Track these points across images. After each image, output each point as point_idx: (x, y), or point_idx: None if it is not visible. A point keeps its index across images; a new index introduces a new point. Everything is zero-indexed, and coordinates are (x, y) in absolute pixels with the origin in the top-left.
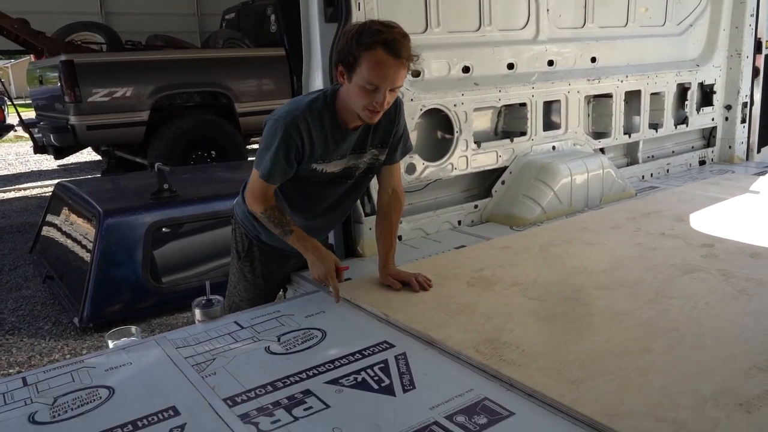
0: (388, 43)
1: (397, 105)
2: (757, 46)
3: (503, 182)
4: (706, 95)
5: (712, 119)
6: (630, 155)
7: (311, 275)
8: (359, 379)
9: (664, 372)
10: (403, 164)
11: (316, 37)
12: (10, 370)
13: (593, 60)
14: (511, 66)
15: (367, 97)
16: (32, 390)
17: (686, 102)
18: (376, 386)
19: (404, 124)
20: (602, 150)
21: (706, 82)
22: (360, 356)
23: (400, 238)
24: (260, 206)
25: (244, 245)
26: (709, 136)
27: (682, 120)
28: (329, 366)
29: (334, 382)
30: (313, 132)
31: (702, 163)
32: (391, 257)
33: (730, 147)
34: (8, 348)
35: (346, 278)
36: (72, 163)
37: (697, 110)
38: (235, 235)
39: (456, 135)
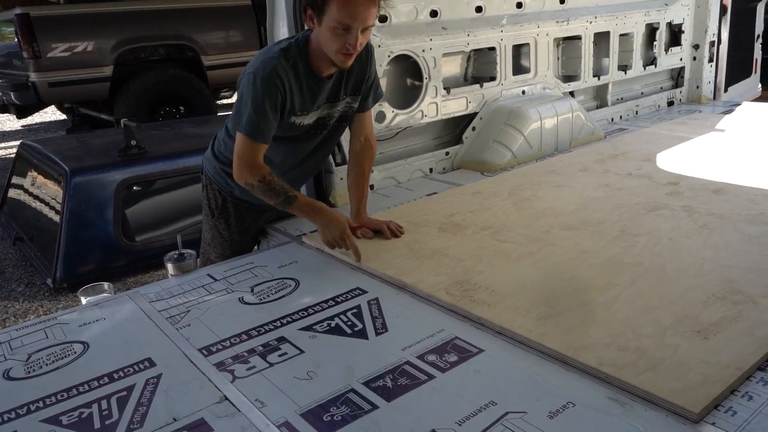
0: None
1: (369, 50)
2: None
3: (474, 128)
4: (675, 35)
5: (681, 59)
6: (599, 98)
7: (322, 239)
8: (332, 325)
9: (627, 305)
10: (372, 112)
11: None
12: None
13: (562, 1)
14: (479, 9)
15: (339, 39)
16: (5, 348)
17: (655, 42)
18: (349, 331)
19: (375, 70)
20: (572, 93)
21: (675, 22)
22: (333, 303)
23: (372, 187)
24: (254, 175)
25: (217, 202)
26: (677, 77)
27: (650, 61)
28: (303, 314)
29: (308, 328)
30: (293, 82)
31: (670, 103)
32: (363, 206)
33: (697, 87)
34: None
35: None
36: (36, 123)
37: (666, 51)
38: (207, 192)
39: (425, 81)
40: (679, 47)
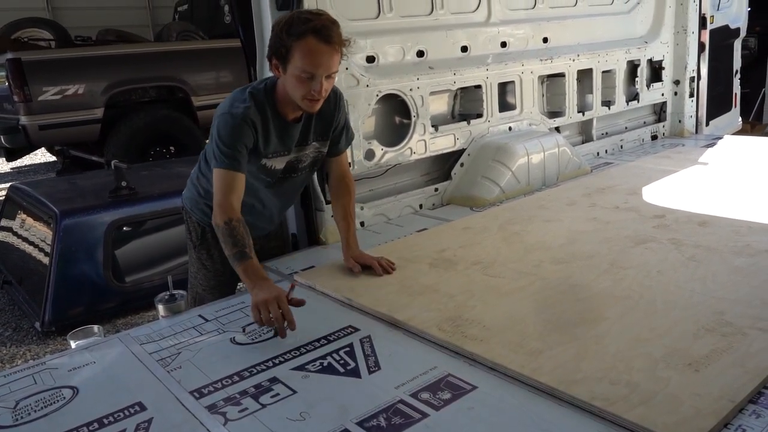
0: (318, 30)
1: (336, 95)
2: (702, 22)
3: (462, 164)
4: (656, 71)
5: (662, 94)
6: (585, 133)
7: (253, 314)
8: (325, 364)
9: (618, 338)
10: (362, 150)
11: (269, 25)
12: None
13: (545, 40)
14: (464, 49)
15: (304, 87)
16: None
17: (637, 78)
18: (342, 369)
19: (345, 115)
20: (557, 129)
21: (655, 59)
22: (325, 341)
23: (362, 224)
24: (223, 214)
25: (197, 233)
26: (660, 111)
27: (633, 96)
28: (295, 353)
29: (301, 368)
30: (262, 125)
31: (654, 137)
32: (351, 238)
33: (680, 121)
34: None
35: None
36: (26, 165)
37: (648, 86)
38: (188, 225)
39: (413, 119)
40: (660, 83)
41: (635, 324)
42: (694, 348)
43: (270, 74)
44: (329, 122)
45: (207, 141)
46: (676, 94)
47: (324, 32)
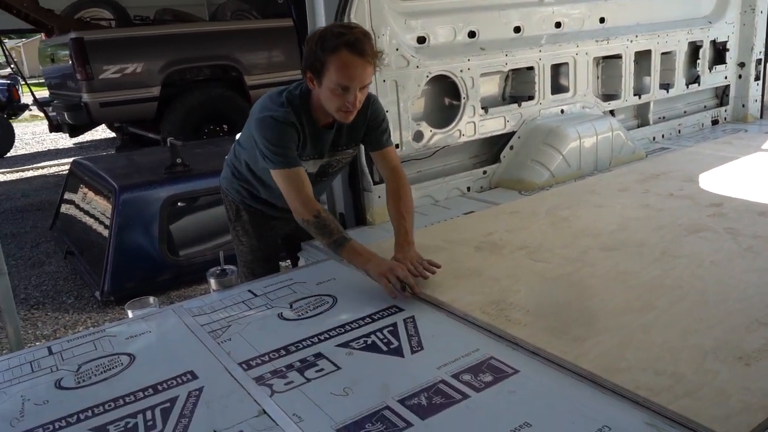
0: (351, 44)
1: (369, 101)
2: None
3: (511, 147)
4: (719, 53)
5: (725, 77)
6: (641, 117)
7: (379, 279)
8: (369, 342)
9: (666, 328)
10: (410, 132)
11: (321, 6)
12: (36, 343)
13: (602, 20)
14: (517, 29)
15: (338, 99)
16: (57, 358)
17: (698, 60)
18: (385, 348)
19: (379, 114)
20: (612, 112)
21: (719, 40)
22: (370, 320)
23: None
24: (308, 210)
25: (233, 211)
26: (722, 95)
27: (694, 79)
28: (340, 330)
29: (345, 345)
30: (300, 128)
31: (715, 122)
32: (402, 239)
33: (743, 105)
34: (34, 322)
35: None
36: (87, 141)
37: (710, 69)
38: (225, 204)
39: (463, 101)
40: (723, 65)
41: (685, 314)
42: (746, 341)
43: None
44: (360, 128)
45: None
46: (740, 77)
47: (357, 45)
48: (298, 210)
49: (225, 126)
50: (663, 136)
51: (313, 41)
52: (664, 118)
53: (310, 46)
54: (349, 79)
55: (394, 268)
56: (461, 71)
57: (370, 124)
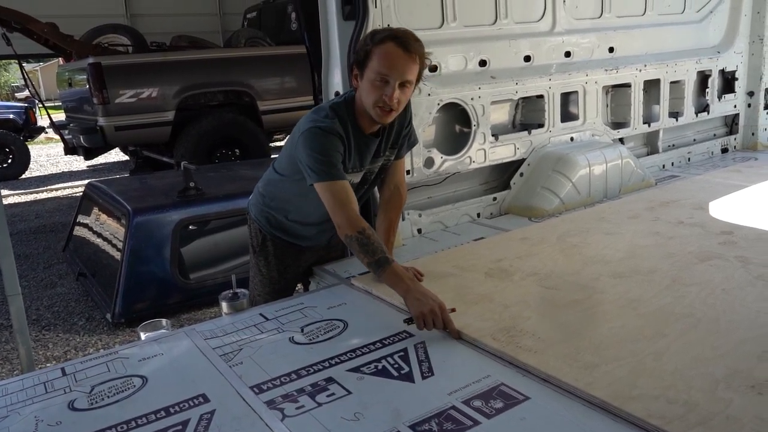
0: (398, 37)
1: (409, 111)
2: None
3: (521, 174)
4: (728, 82)
5: (735, 106)
6: (650, 144)
7: (416, 316)
8: (380, 367)
9: (678, 356)
10: (421, 158)
11: (335, 34)
12: (47, 364)
13: (611, 50)
14: (528, 58)
15: (377, 92)
16: (71, 379)
17: (707, 89)
18: (395, 373)
19: (411, 119)
20: (621, 140)
21: (728, 69)
22: (380, 345)
23: (419, 231)
24: (352, 226)
25: (258, 240)
26: (731, 124)
27: (703, 108)
28: (351, 355)
29: (356, 369)
30: (346, 140)
31: (725, 150)
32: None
33: (753, 134)
34: (45, 343)
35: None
36: (101, 164)
37: (719, 97)
38: (251, 230)
39: (474, 128)
40: (732, 94)
41: (696, 342)
42: (759, 370)
43: (336, 83)
44: (399, 131)
45: (280, 150)
46: (749, 105)
47: (404, 40)
48: (342, 225)
49: (237, 150)
50: (672, 163)
51: (363, 38)
52: (673, 146)
53: (361, 41)
54: (389, 68)
55: (435, 312)
56: (472, 99)
57: (405, 132)
